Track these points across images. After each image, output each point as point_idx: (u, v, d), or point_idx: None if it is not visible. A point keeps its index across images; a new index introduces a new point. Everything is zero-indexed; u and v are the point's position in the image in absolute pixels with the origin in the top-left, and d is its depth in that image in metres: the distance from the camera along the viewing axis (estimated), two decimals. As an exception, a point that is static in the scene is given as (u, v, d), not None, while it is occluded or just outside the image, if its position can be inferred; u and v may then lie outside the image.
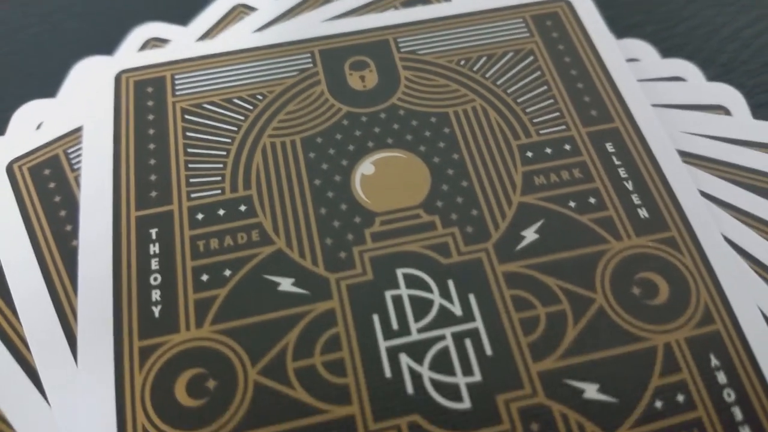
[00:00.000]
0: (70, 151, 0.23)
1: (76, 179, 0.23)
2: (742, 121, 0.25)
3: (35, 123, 0.25)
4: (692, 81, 0.26)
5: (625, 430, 0.18)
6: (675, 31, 0.29)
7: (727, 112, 0.25)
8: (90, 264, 0.21)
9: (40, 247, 0.21)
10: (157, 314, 0.20)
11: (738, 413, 0.19)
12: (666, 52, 0.27)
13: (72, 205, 0.22)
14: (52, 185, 0.23)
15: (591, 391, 0.19)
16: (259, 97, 0.24)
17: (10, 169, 0.23)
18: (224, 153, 0.23)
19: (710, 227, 0.21)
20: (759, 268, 0.21)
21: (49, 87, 0.25)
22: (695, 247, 0.21)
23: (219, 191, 0.22)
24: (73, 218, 0.22)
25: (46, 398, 0.19)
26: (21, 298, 0.20)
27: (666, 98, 0.25)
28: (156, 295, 0.20)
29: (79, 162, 0.23)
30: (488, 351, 0.19)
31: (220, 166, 0.22)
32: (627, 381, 0.19)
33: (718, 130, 0.24)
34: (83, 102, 0.25)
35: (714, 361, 0.19)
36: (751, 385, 0.19)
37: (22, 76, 0.27)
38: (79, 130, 0.24)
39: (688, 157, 0.24)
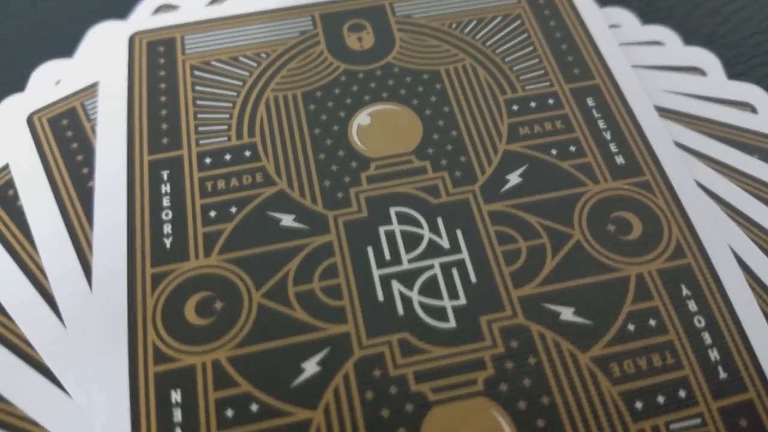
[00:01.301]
0: (86, 103, 0.25)
1: (93, 128, 0.24)
2: (716, 80, 0.26)
3: (53, 80, 0.26)
4: (671, 45, 0.27)
5: (599, 349, 0.20)
6: (657, 6, 0.31)
7: (702, 73, 0.27)
8: (105, 201, 0.22)
9: (58, 188, 0.23)
10: (168, 245, 0.21)
11: (707, 337, 0.20)
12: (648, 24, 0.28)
13: (88, 150, 0.24)
14: (69, 134, 0.24)
15: (567, 313, 0.20)
16: (263, 55, 0.26)
17: (30, 120, 0.25)
18: (230, 105, 0.24)
19: (683, 172, 0.23)
20: (729, 210, 0.23)
21: (66, 49, 0.27)
22: (668, 190, 0.23)
23: (225, 138, 0.24)
24: (89, 162, 0.24)
25: (62, 320, 0.20)
26: (40, 234, 0.22)
27: (645, 60, 0.27)
28: (167, 228, 0.22)
29: (95, 113, 0.25)
30: (473, 279, 0.21)
31: (227, 116, 0.24)
32: (601, 306, 0.20)
33: (693, 89, 0.26)
34: (99, 61, 0.26)
35: (685, 291, 0.21)
36: (720, 314, 0.21)
37: (41, 41, 0.28)
38: (95, 85, 0.26)
39: (664, 111, 0.25)
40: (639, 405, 0.19)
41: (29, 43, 0.28)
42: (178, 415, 0.19)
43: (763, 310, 0.21)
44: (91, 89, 0.26)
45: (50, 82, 0.27)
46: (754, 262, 0.22)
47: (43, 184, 0.23)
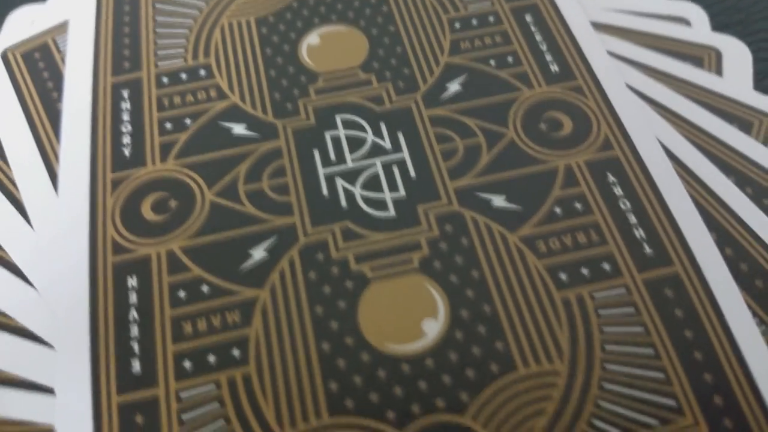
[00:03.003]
0: (58, 38, 0.27)
1: (62, 59, 0.26)
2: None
3: (27, 22, 0.28)
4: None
5: (527, 230, 0.21)
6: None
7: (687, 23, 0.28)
8: (71, 118, 0.24)
9: (29, 110, 0.25)
10: (127, 154, 0.23)
11: (633, 218, 0.21)
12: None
13: (58, 78, 0.26)
14: (41, 65, 0.26)
15: (499, 201, 0.22)
16: (220, -13, 0.27)
17: (5, 55, 0.27)
18: (187, 31, 0.26)
19: (613, 76, 0.25)
20: (660, 109, 0.24)
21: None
22: (599, 92, 0.24)
23: (182, 60, 0.25)
24: (58, 88, 0.25)
25: (30, 223, 0.22)
26: (12, 149, 0.24)
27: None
28: (127, 139, 0.23)
29: (65, 47, 0.26)
30: (412, 174, 0.22)
31: (184, 41, 0.26)
32: (530, 193, 0.22)
33: (631, 6, 0.27)
34: (71, 3, 0.28)
35: (611, 178, 0.22)
36: (647, 198, 0.22)
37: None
38: (66, 23, 0.27)
39: (600, 26, 0.27)
40: (563, 276, 0.20)
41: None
42: (134, 297, 0.20)
43: (691, 195, 0.22)
44: (62, 27, 0.28)
45: (24, 23, 0.28)
46: (682, 153, 0.23)
47: (16, 108, 0.25)
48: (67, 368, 0.19)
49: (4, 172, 0.23)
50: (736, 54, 0.26)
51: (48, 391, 0.19)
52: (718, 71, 0.25)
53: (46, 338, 0.20)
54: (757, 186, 0.22)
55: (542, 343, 0.19)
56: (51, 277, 0.21)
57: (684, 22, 0.27)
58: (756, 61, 0.26)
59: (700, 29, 0.27)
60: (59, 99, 0.25)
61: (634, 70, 0.25)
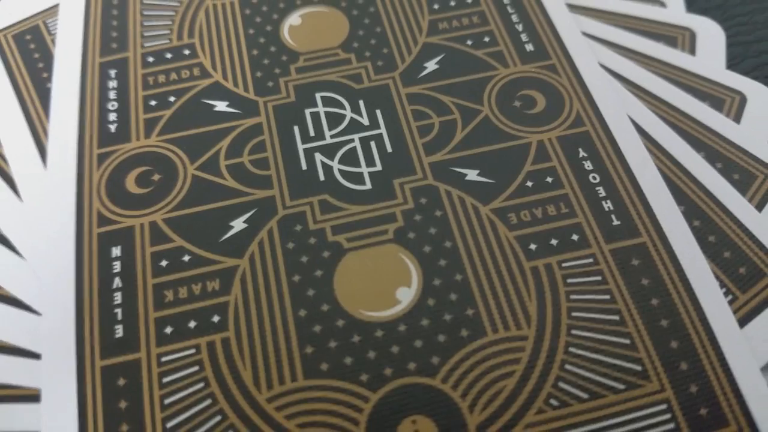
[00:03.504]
0: (48, 21, 0.28)
1: (53, 40, 0.27)
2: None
3: (18, 5, 0.29)
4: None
5: (498, 202, 0.22)
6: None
7: (662, 4, 0.28)
8: (60, 97, 0.25)
9: (20, 89, 0.25)
10: (113, 129, 0.24)
11: (602, 191, 0.22)
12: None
13: (48, 58, 0.26)
14: (32, 46, 0.27)
15: (472, 174, 0.22)
16: (205, -30, 0.28)
17: (-5, 37, 0.27)
18: (173, 12, 0.27)
19: (587, 55, 0.25)
20: (632, 87, 0.25)
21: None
22: (572, 71, 0.25)
23: (167, 41, 0.26)
24: (49, 68, 0.26)
25: (19, 195, 0.23)
26: (2, 126, 0.24)
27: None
28: (113, 116, 0.24)
29: (56, 29, 0.27)
30: (389, 149, 0.23)
31: (169, 22, 0.26)
32: (503, 168, 0.23)
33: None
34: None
35: (582, 153, 0.23)
36: (616, 172, 0.23)
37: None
38: (56, 6, 0.28)
39: (576, 8, 0.27)
40: (533, 246, 0.21)
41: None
42: (117, 266, 0.21)
43: (660, 170, 0.23)
44: (52, 10, 0.28)
45: (15, 6, 0.29)
46: (653, 129, 0.24)
47: (7, 87, 0.26)
48: (53, 334, 0.20)
49: (-7, 149, 0.24)
50: (710, 34, 0.27)
51: (34, 356, 0.20)
52: (692, 51, 0.26)
53: (32, 305, 0.21)
54: (727, 161, 0.23)
55: (511, 310, 0.20)
56: (38, 246, 0.21)
57: (659, 3, 0.28)
58: (731, 45, 0.26)
59: (674, 10, 0.27)
60: (49, 79, 0.25)
61: (607, 49, 0.26)
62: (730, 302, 0.20)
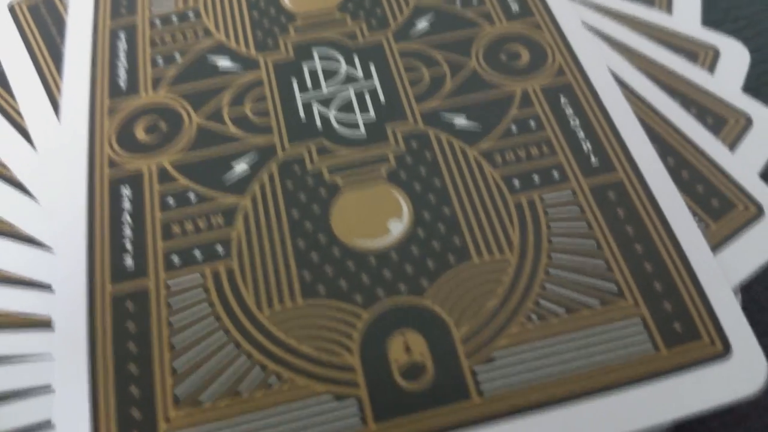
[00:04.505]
0: (61, -8, 0.29)
1: (66, 9, 0.29)
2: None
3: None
4: None
5: (485, 144, 0.23)
6: None
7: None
8: (73, 57, 0.26)
9: (34, 52, 0.27)
10: (122, 85, 0.25)
11: (581, 133, 0.24)
12: None
13: (61, 25, 0.28)
14: (46, 15, 0.28)
15: (460, 120, 0.24)
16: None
17: (12, 8, 0.29)
18: (178, -20, 0.28)
19: (569, 13, 0.27)
20: (611, 42, 0.27)
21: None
22: (555, 28, 0.26)
23: (173, 4, 0.28)
24: (61, 33, 0.28)
25: (34, 146, 0.24)
26: (18, 85, 0.26)
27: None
28: (122, 72, 0.26)
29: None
30: (382, 99, 0.25)
31: (175, -11, 0.28)
32: (489, 114, 0.24)
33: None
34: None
35: (563, 100, 0.24)
36: (595, 116, 0.24)
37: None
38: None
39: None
40: (516, 183, 0.22)
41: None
42: (127, 204, 0.22)
43: (636, 114, 0.24)
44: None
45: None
46: (630, 79, 0.25)
47: (23, 53, 0.27)
48: (65, 266, 0.21)
49: (10, 105, 0.26)
50: (687, -3, 0.28)
51: (46, 287, 0.21)
52: (669, 10, 0.28)
53: (45, 241, 0.22)
54: (700, 107, 0.24)
55: (495, 238, 0.21)
56: (51, 189, 0.23)
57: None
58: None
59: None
60: (62, 43, 0.27)
61: (588, 10, 0.27)
62: (704, 231, 0.21)
